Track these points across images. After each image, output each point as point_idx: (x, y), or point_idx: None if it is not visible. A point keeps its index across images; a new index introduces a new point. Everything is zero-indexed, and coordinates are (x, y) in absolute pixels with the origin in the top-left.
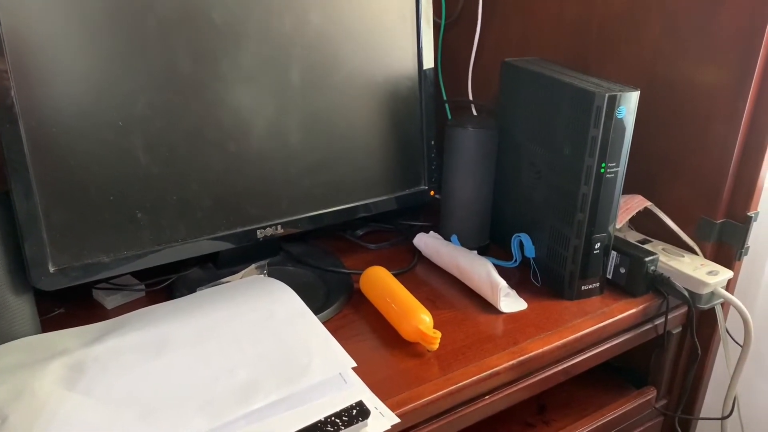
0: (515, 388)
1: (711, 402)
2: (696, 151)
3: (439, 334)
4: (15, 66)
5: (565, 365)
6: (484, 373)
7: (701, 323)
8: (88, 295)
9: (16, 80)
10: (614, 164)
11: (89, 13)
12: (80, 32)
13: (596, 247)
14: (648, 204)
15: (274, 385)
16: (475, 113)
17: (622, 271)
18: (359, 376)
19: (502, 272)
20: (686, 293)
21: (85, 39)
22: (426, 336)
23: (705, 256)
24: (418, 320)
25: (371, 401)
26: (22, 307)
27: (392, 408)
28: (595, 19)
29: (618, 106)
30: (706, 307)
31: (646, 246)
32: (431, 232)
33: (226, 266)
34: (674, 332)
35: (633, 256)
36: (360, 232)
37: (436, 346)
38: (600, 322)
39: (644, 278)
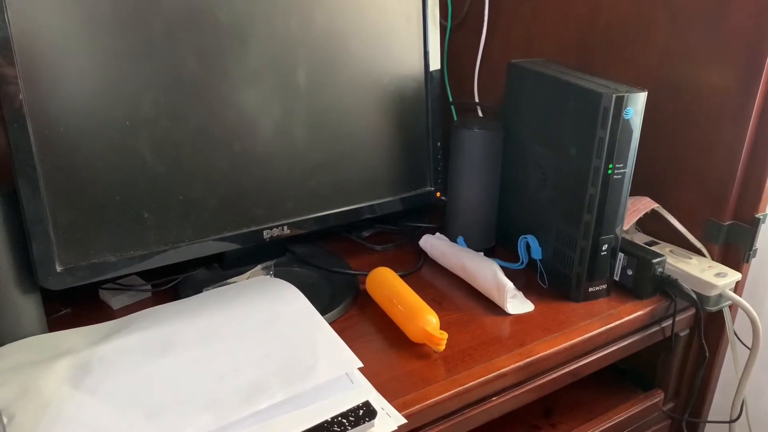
0: (522, 390)
1: (719, 405)
2: (703, 153)
3: (445, 335)
4: (24, 67)
5: (571, 367)
6: (491, 375)
7: (709, 325)
8: (95, 295)
9: (25, 81)
10: (621, 165)
11: (96, 14)
12: (87, 33)
13: (603, 248)
14: (655, 206)
15: (280, 385)
16: (481, 115)
17: (630, 273)
18: (365, 377)
19: (509, 274)
20: (694, 295)
21: (93, 40)
22: (432, 337)
23: (713, 258)
24: (425, 321)
25: (378, 402)
26: (29, 307)
27: (399, 409)
28: (602, 20)
29: (625, 107)
30: (714, 309)
31: (653, 248)
32: (437, 234)
33: (232, 267)
34: (682, 334)
35: (640, 258)
36: (365, 234)
37: (442, 347)
38: (607, 324)
39: (651, 280)
